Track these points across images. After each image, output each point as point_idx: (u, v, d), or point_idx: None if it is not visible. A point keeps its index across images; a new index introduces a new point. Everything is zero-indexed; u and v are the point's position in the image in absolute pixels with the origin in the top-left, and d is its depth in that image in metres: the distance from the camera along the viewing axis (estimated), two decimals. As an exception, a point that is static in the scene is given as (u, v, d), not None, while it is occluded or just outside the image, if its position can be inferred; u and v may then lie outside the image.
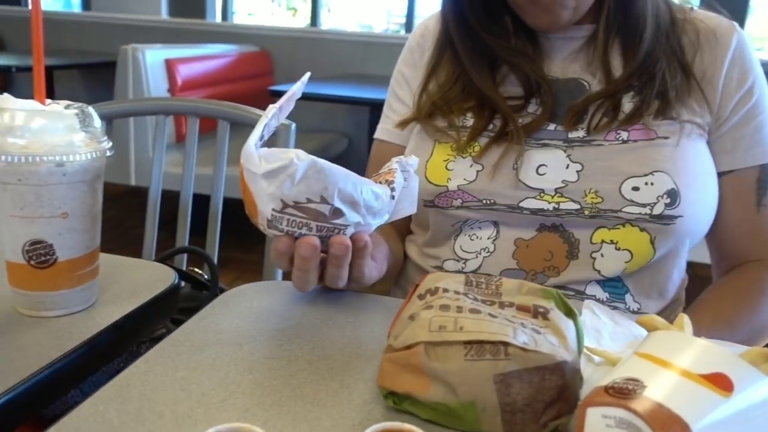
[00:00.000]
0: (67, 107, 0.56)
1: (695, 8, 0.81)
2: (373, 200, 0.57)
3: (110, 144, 0.57)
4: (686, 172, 0.71)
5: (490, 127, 0.78)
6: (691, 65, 0.76)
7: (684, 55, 0.76)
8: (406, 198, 0.63)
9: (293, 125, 1.15)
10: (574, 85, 0.78)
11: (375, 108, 0.92)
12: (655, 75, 0.74)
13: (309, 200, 0.53)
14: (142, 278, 0.67)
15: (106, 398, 0.45)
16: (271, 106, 0.57)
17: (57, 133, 0.53)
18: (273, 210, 0.53)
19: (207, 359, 0.51)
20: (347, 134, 3.49)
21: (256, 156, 0.53)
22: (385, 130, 0.90)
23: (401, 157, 0.64)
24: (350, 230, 0.57)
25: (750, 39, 0.78)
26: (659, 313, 0.77)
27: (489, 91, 0.78)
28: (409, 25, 3.97)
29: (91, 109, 0.57)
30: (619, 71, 0.76)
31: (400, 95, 0.90)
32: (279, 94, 2.60)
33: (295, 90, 0.60)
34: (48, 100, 0.57)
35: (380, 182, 0.59)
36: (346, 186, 0.54)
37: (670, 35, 0.76)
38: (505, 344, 0.42)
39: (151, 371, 0.49)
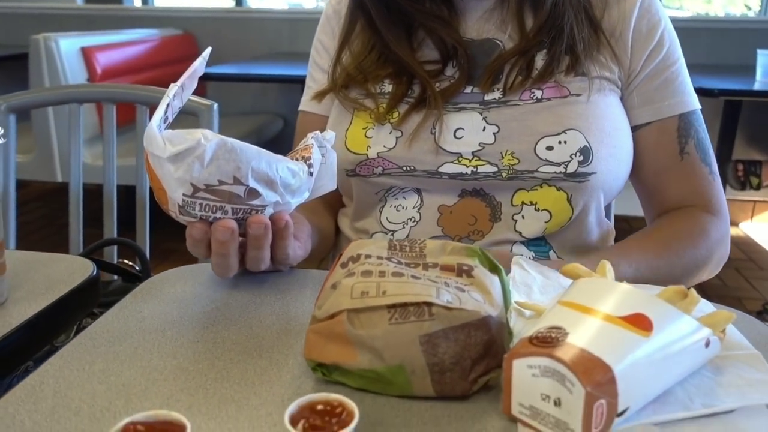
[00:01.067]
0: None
1: None
2: (290, 178, 0.55)
3: (2, 131, 0.54)
4: (598, 129, 0.72)
5: (409, 92, 0.77)
6: (600, 21, 0.77)
7: (592, 9, 0.77)
8: (326, 174, 0.61)
9: (215, 105, 1.11)
10: (489, 46, 0.78)
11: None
12: (563, 28, 0.74)
13: (221, 182, 0.51)
14: (58, 272, 0.63)
15: (17, 400, 0.43)
16: (172, 84, 0.54)
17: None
18: (184, 195, 0.51)
19: (128, 349, 0.49)
20: (282, 114, 3.43)
21: (160, 138, 0.50)
22: (308, 103, 0.88)
23: (317, 132, 0.62)
24: (269, 210, 0.55)
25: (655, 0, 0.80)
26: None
27: (407, 57, 0.77)
28: None
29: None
30: (531, 28, 0.76)
31: (321, 64, 0.88)
32: (206, 78, 2.52)
33: (197, 66, 0.57)
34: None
35: (297, 159, 0.57)
36: (260, 165, 0.52)
37: None
38: (429, 304, 0.42)
39: (66, 367, 0.47)
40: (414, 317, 0.42)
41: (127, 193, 1.19)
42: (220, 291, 0.60)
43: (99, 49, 2.66)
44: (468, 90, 0.76)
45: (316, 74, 0.88)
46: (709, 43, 3.21)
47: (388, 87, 0.78)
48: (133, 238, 1.15)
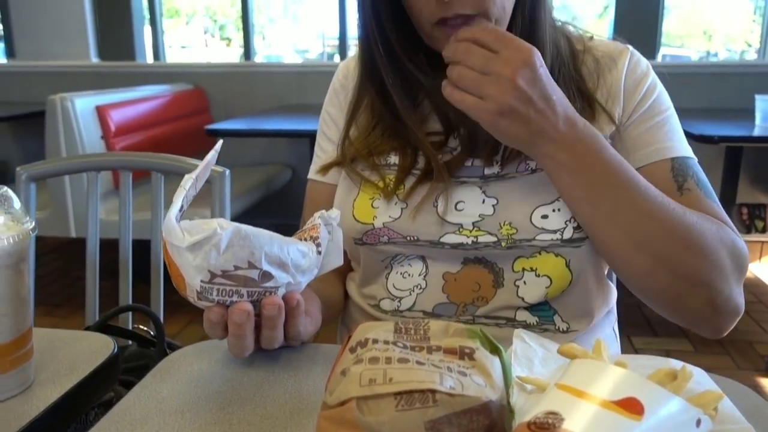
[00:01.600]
0: (-14, 191, 0.56)
1: (594, 38, 0.86)
2: (301, 258, 0.58)
3: (33, 224, 0.58)
4: None
5: (416, 164, 0.80)
6: (594, 90, 0.81)
7: (584, 82, 0.81)
8: (333, 251, 0.65)
9: (227, 172, 1.16)
10: None
11: (315, 139, 0.95)
12: None
13: (237, 267, 0.54)
14: (81, 351, 0.66)
15: (47, 487, 0.45)
16: (187, 176, 0.58)
17: (-24, 220, 0.53)
18: (201, 282, 0.54)
19: (149, 432, 0.52)
20: (290, 165, 3.50)
21: (178, 229, 0.53)
22: (316, 172, 0.92)
23: (323, 211, 0.66)
24: (281, 291, 0.58)
25: (641, 57, 0.84)
26: (591, 328, 0.81)
27: (415, 126, 0.81)
28: (342, 48, 4.02)
29: (10, 192, 0.57)
30: None
31: (329, 135, 0.92)
32: (216, 134, 2.60)
33: (209, 159, 0.61)
34: (-34, 187, 0.57)
35: (305, 239, 0.61)
36: (272, 249, 0.55)
37: (570, 65, 0.81)
38: (433, 391, 0.44)
39: (91, 452, 0.49)
40: (419, 404, 0.44)
41: (140, 247, 1.23)
42: (235, 369, 0.63)
43: (113, 107, 2.75)
44: (469, 163, 0.80)
45: (325, 144, 0.92)
46: (709, 87, 3.27)
47: (393, 159, 0.82)
48: (146, 291, 1.18)
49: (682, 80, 3.29)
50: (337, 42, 4.04)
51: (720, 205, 0.78)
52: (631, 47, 0.84)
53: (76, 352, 0.66)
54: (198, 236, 0.53)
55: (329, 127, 0.92)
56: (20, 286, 0.57)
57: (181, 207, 0.56)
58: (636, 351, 2.41)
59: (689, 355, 2.38)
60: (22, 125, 3.55)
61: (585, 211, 0.71)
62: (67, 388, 0.59)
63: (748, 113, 2.60)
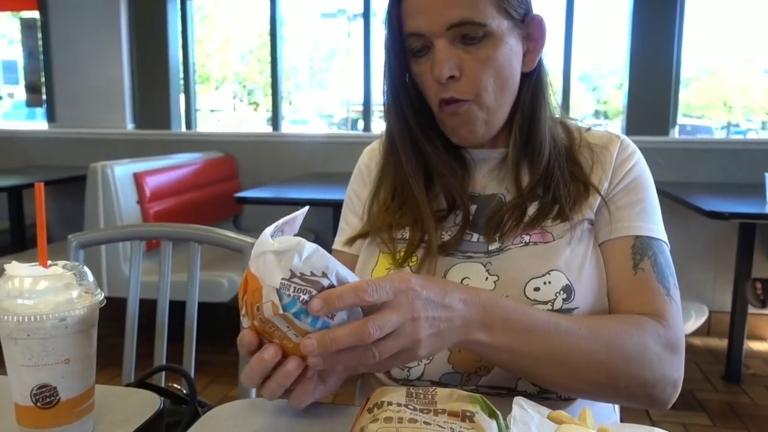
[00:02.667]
0: (64, 266, 0.67)
1: (591, 129, 0.97)
2: None
3: (103, 296, 0.68)
4: (577, 268, 0.84)
5: (426, 238, 0.90)
6: (589, 175, 0.91)
7: (580, 169, 0.91)
8: None
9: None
10: (492, 199, 0.93)
11: (337, 207, 1.06)
12: (551, 186, 0.88)
13: (312, 273, 0.62)
14: (132, 405, 0.75)
15: None
16: (300, 213, 0.71)
17: (58, 292, 0.64)
18: (282, 279, 0.62)
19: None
20: (314, 230, 3.62)
21: (270, 240, 0.63)
22: (341, 243, 1.02)
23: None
24: (340, 316, 0.64)
25: (632, 144, 0.95)
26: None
27: (422, 204, 0.91)
28: (366, 114, 4.19)
29: (85, 268, 0.68)
30: (526, 184, 0.91)
31: (354, 210, 1.03)
32: (244, 201, 2.74)
33: (297, 215, 0.71)
34: (49, 262, 0.67)
35: None
36: (344, 271, 0.64)
37: (567, 154, 0.92)
38: (437, 448, 0.53)
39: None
40: (425, 458, 0.52)
41: (170, 307, 1.32)
42: (266, 426, 0.71)
43: (149, 173, 2.92)
44: (474, 239, 0.90)
45: (350, 218, 1.03)
46: (723, 162, 3.36)
47: (407, 233, 0.92)
48: (178, 351, 1.27)
49: (696, 156, 3.39)
50: (361, 108, 4.23)
51: (675, 294, 0.84)
52: (622, 136, 0.95)
53: (128, 406, 0.75)
54: (285, 244, 0.62)
55: (354, 204, 1.03)
56: (89, 348, 0.66)
57: (280, 229, 0.67)
58: (653, 423, 2.41)
59: (708, 429, 2.38)
60: (61, 189, 3.74)
61: (514, 366, 0.76)
62: (122, 438, 0.68)
63: (760, 189, 2.67)
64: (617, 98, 3.75)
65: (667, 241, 0.90)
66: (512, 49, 0.86)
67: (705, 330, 3.33)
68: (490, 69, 0.85)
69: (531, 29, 0.89)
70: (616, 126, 5.07)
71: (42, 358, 0.63)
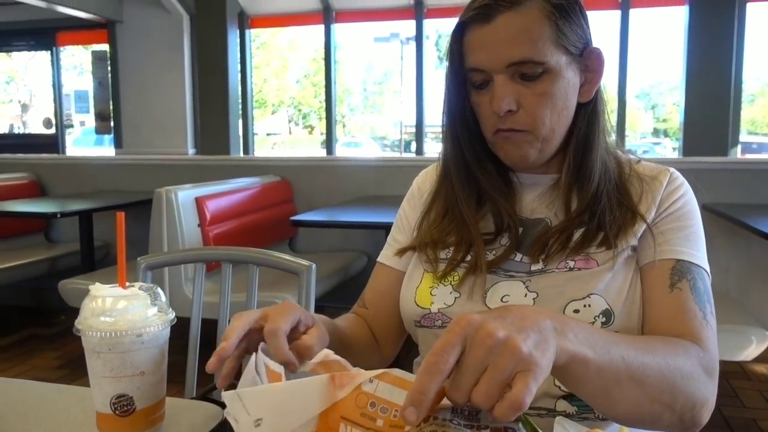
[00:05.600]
0: (140, 287, 0.74)
1: (641, 161, 0.99)
2: None
3: (174, 314, 0.75)
4: (617, 293, 0.86)
5: (468, 258, 0.94)
6: (638, 204, 0.92)
7: (629, 198, 0.93)
8: None
9: (313, 266, 1.33)
10: (539, 223, 0.96)
11: (389, 229, 1.12)
12: (597, 212, 0.90)
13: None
14: (197, 416, 0.82)
15: None
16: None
17: (136, 311, 0.71)
18: None
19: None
20: (366, 252, 3.69)
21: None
22: (386, 256, 1.07)
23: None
24: None
25: (681, 177, 0.96)
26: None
27: (471, 225, 0.95)
28: (419, 136, 4.25)
29: (159, 289, 0.75)
30: (574, 209, 0.93)
31: (403, 228, 1.08)
32: (300, 224, 2.83)
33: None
34: (127, 283, 0.75)
35: None
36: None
37: (617, 183, 0.94)
38: (474, 459, 0.56)
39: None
40: (464, 468, 0.56)
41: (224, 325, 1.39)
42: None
43: (209, 198, 3.05)
44: (518, 258, 0.93)
45: (398, 235, 1.08)
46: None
47: (450, 253, 0.96)
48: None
49: (757, 176, 3.30)
50: (413, 130, 4.31)
51: (707, 316, 0.83)
52: (672, 169, 0.97)
53: (193, 417, 0.82)
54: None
55: (402, 223, 1.08)
56: (162, 362, 0.73)
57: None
58: (712, 453, 2.35)
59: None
60: (128, 211, 3.93)
61: (596, 386, 0.68)
62: (189, 446, 0.74)
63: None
64: (676, 116, 3.70)
65: (708, 272, 0.90)
66: (570, 82, 0.90)
67: (769, 357, 3.21)
68: (548, 103, 0.88)
69: (589, 62, 0.92)
70: (672, 145, 4.95)
71: (121, 370, 0.70)
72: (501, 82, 0.87)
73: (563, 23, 0.87)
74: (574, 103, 0.92)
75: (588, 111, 0.94)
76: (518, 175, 1.00)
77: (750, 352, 2.49)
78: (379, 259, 1.08)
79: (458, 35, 0.91)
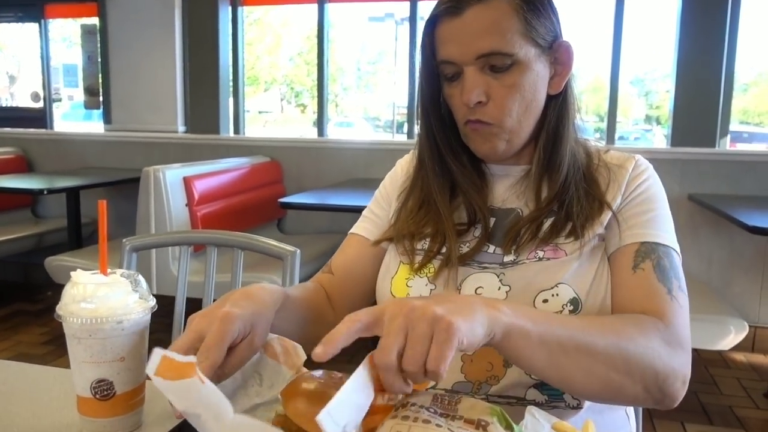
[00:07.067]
0: (122, 274, 0.75)
1: (610, 150, 1.01)
2: None
3: (154, 302, 0.76)
4: (584, 282, 0.88)
5: (443, 250, 0.95)
6: (605, 193, 0.94)
7: (597, 187, 0.95)
8: None
9: (298, 252, 1.34)
10: (511, 213, 0.97)
11: None
12: (565, 201, 0.92)
13: None
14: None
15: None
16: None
17: (117, 297, 0.72)
18: None
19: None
20: (354, 234, 3.69)
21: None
22: (360, 227, 1.08)
23: None
24: None
25: (646, 162, 0.98)
26: (600, 407, 0.91)
27: (446, 215, 0.97)
28: (411, 118, 4.24)
29: (140, 277, 0.76)
30: (544, 199, 0.95)
31: (380, 202, 1.09)
32: (288, 206, 2.83)
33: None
34: (108, 270, 0.75)
35: None
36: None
37: (585, 173, 0.96)
38: (439, 448, 0.58)
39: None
40: (430, 455, 0.58)
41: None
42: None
43: (197, 177, 3.04)
44: (491, 250, 0.94)
45: (375, 208, 1.09)
46: (769, 175, 3.30)
47: (427, 244, 0.97)
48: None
49: (743, 167, 3.33)
50: (406, 111, 4.29)
51: (678, 294, 0.85)
52: (638, 156, 0.99)
53: (174, 401, 0.83)
54: None
55: (382, 195, 1.10)
56: (142, 347, 0.74)
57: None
58: (685, 438, 2.41)
59: (745, 447, 2.36)
60: (115, 189, 3.92)
61: (540, 357, 0.73)
62: (168, 428, 0.76)
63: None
64: (668, 103, 3.71)
65: (677, 250, 0.91)
66: (539, 74, 0.91)
67: (749, 346, 3.27)
68: (516, 95, 0.90)
69: (558, 54, 0.93)
70: (663, 132, 4.98)
71: (101, 355, 0.71)
72: (471, 74, 0.89)
73: (532, 16, 0.88)
74: (543, 95, 0.94)
75: (558, 103, 0.95)
76: (490, 166, 1.02)
77: (728, 342, 2.54)
78: (352, 230, 1.09)
79: (430, 28, 0.92)
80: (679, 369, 0.79)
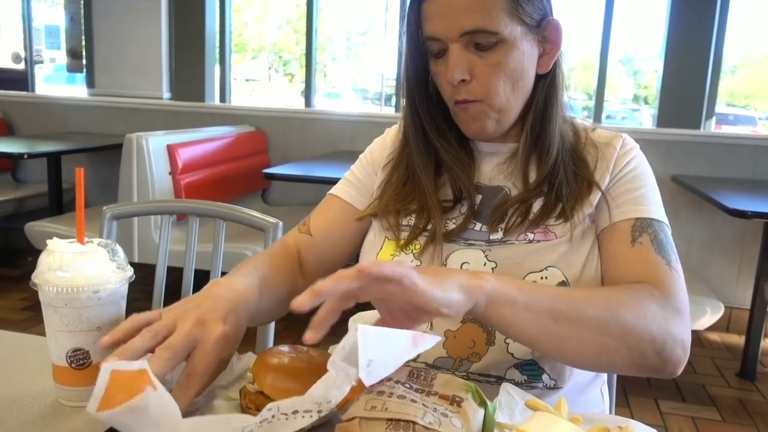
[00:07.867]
0: (99, 244, 0.74)
1: (597, 129, 1.00)
2: None
3: (132, 272, 0.75)
4: (573, 265, 0.88)
5: (429, 227, 0.95)
6: (593, 173, 0.94)
7: (585, 167, 0.94)
8: None
9: (280, 224, 1.33)
10: (498, 191, 0.97)
11: None
12: (555, 184, 0.92)
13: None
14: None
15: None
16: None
17: (93, 267, 0.71)
18: None
19: None
20: (338, 206, 3.69)
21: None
22: (341, 190, 1.06)
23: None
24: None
25: (632, 142, 0.98)
26: (578, 387, 0.93)
27: (430, 193, 0.96)
28: (399, 90, 4.21)
29: (117, 246, 0.75)
30: (533, 180, 0.95)
31: (364, 166, 1.07)
32: (272, 177, 2.81)
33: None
34: (86, 239, 0.75)
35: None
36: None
37: (573, 153, 0.95)
38: (414, 423, 0.59)
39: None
40: (402, 430, 0.59)
41: (196, 276, 1.39)
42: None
43: (181, 146, 3.01)
44: (477, 228, 0.94)
45: (359, 173, 1.07)
46: (753, 159, 3.32)
47: (413, 221, 0.97)
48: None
49: (726, 150, 3.36)
50: (395, 83, 4.25)
51: (676, 264, 0.86)
52: (624, 135, 0.99)
53: (151, 371, 0.83)
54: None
55: (367, 161, 1.08)
56: (119, 317, 0.74)
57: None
58: (662, 415, 2.45)
59: (717, 424, 2.41)
60: (98, 156, 3.87)
61: (527, 325, 0.74)
62: (145, 399, 0.76)
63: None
64: (656, 83, 3.71)
65: (668, 224, 0.92)
66: (525, 53, 0.90)
67: (724, 326, 3.33)
68: (501, 73, 0.89)
69: (547, 33, 0.92)
70: (650, 112, 4.99)
71: (77, 325, 0.70)
72: (455, 51, 0.88)
73: None
74: (531, 74, 0.92)
75: (546, 83, 0.94)
76: (477, 144, 1.00)
77: (704, 322, 2.59)
78: (332, 191, 1.07)
79: (416, 3, 0.91)
80: (678, 334, 0.79)
